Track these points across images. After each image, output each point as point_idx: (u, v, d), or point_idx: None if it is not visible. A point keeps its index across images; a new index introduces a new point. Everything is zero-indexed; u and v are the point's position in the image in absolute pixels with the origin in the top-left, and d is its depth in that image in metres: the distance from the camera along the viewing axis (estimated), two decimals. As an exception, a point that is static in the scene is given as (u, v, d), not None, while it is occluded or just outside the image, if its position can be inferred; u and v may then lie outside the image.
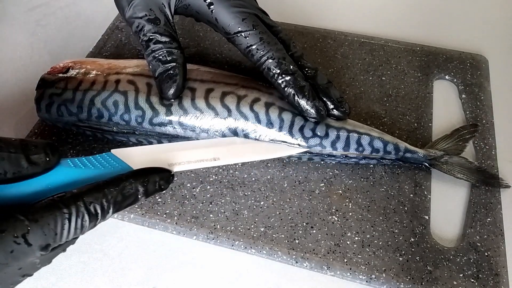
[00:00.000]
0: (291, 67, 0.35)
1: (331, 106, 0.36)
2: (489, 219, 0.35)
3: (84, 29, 0.52)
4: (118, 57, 0.48)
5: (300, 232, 0.35)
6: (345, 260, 0.33)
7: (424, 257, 0.33)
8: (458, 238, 0.35)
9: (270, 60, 0.34)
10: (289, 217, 0.35)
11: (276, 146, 0.36)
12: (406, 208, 0.36)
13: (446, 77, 0.46)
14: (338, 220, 0.35)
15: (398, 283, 0.32)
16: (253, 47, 0.35)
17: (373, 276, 0.32)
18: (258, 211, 0.36)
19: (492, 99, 0.44)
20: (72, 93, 0.37)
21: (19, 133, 0.42)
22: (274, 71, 0.35)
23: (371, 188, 0.37)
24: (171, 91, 0.35)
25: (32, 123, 0.42)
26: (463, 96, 0.44)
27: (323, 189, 0.37)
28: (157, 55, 0.35)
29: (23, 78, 0.47)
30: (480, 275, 0.32)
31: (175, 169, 0.32)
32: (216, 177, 0.38)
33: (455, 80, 0.46)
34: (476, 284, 0.32)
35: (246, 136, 0.36)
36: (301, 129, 0.36)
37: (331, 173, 0.38)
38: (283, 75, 0.35)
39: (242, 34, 0.35)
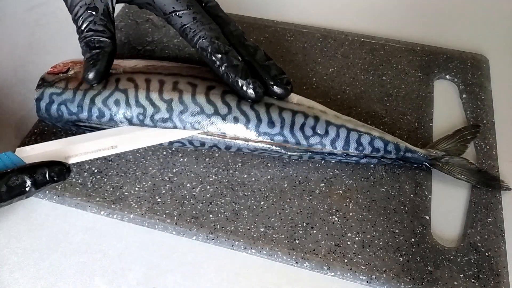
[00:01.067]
0: (225, 46, 0.35)
1: (271, 83, 0.36)
2: (489, 219, 0.35)
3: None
4: (117, 57, 0.47)
5: (300, 232, 0.35)
6: (346, 261, 0.33)
7: (425, 257, 0.33)
8: (458, 238, 0.35)
9: (203, 40, 0.35)
10: (289, 217, 0.35)
11: (173, 131, 0.37)
12: (406, 208, 0.36)
13: (447, 76, 0.46)
14: (338, 220, 0.35)
15: (398, 284, 0.32)
16: (187, 26, 0.36)
17: (374, 276, 0.32)
18: (258, 211, 0.36)
19: (493, 99, 0.44)
20: (73, 93, 0.37)
21: (19, 133, 0.42)
22: (207, 51, 0.35)
23: (372, 188, 0.37)
24: (91, 75, 0.36)
25: (31, 123, 0.42)
26: (464, 96, 0.44)
27: (323, 189, 0.37)
28: (87, 41, 0.36)
29: (22, 78, 0.47)
30: (480, 276, 0.32)
31: (72, 160, 0.34)
32: (216, 177, 0.38)
33: (456, 80, 0.46)
34: (477, 284, 0.32)
35: (246, 136, 0.36)
36: (301, 128, 0.36)
37: (331, 173, 0.38)
38: (216, 54, 0.35)
39: (177, 13, 0.36)
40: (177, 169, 0.38)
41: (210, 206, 0.36)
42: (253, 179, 0.38)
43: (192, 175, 0.38)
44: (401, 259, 0.33)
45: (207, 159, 0.39)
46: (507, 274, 0.33)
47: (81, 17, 0.36)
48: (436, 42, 0.49)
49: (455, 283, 0.32)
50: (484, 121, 0.42)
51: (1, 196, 0.28)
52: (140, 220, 0.35)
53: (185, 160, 0.39)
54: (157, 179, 0.38)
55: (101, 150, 0.35)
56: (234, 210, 0.36)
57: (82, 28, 0.36)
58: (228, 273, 0.34)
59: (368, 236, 0.34)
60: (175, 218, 0.35)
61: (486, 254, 0.34)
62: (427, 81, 0.45)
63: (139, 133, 0.36)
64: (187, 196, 0.36)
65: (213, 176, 0.38)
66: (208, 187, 0.37)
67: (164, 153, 0.39)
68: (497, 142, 0.40)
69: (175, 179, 0.38)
